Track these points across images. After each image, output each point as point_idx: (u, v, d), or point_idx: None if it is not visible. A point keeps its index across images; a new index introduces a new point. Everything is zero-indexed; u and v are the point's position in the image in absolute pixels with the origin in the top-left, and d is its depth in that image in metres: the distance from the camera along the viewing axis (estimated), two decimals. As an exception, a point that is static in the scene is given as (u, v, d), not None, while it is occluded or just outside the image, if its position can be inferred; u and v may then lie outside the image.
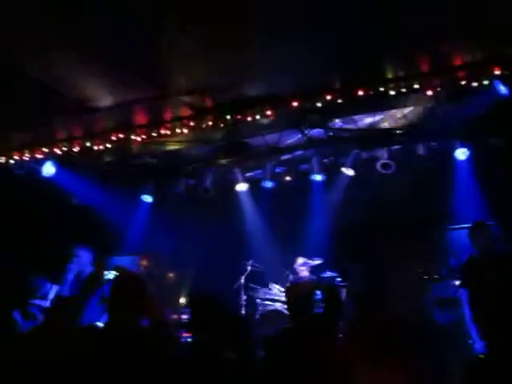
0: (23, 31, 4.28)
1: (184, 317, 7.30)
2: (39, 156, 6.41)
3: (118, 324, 2.99)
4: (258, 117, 5.33)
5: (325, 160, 7.76)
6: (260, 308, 7.36)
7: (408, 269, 7.03)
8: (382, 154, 7.16)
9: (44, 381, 3.07)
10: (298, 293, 3.96)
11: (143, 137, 5.82)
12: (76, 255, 5.90)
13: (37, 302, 6.37)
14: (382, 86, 4.81)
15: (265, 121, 5.84)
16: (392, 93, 4.87)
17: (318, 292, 3.99)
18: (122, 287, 3.10)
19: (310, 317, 3.83)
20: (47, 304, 6.26)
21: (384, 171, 7.15)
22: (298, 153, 7.77)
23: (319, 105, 5.05)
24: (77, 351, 2.93)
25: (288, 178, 7.97)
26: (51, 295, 6.40)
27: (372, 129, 6.92)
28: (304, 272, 7.50)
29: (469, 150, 6.82)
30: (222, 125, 5.56)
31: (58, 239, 7.31)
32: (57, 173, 7.08)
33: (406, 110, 6.59)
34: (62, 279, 6.04)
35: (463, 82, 4.68)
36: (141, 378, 2.88)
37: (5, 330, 5.97)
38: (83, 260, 5.90)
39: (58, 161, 6.91)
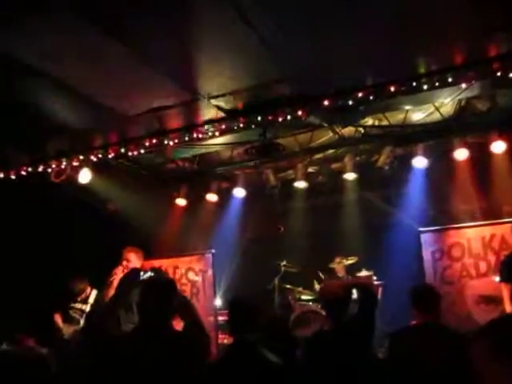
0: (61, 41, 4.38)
1: (220, 318, 7.33)
2: (76, 163, 6.54)
3: (149, 326, 3.00)
4: (289, 117, 5.31)
5: (357, 158, 7.70)
6: (295, 309, 7.34)
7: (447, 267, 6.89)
8: (417, 150, 7.06)
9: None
10: (332, 293, 3.94)
11: (176, 141, 5.88)
12: (126, 259, 5.95)
13: (77, 305, 6.52)
14: (414, 81, 4.73)
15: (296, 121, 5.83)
16: (425, 87, 4.78)
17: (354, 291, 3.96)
18: (150, 289, 3.13)
19: (347, 317, 3.80)
20: (88, 308, 6.39)
21: (419, 167, 7.05)
22: (330, 151, 7.74)
23: (351, 102, 4.99)
24: (111, 355, 2.96)
25: (320, 178, 7.95)
26: (91, 299, 6.53)
27: (404, 125, 6.82)
28: (340, 271, 7.45)
29: (505, 142, 6.65)
30: (253, 126, 5.57)
31: (97, 245, 7.45)
32: (93, 179, 7.23)
33: (439, 104, 6.47)
34: (106, 284, 6.15)
35: (499, 74, 4.55)
36: (168, 379, 2.90)
37: (46, 333, 6.14)
38: (132, 264, 5.94)
39: (94, 167, 7.06)
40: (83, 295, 6.74)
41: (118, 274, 5.84)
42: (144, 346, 2.91)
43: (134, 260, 5.97)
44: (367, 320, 3.72)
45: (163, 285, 3.17)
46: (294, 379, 3.62)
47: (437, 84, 4.74)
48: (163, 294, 3.10)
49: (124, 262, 5.96)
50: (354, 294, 3.88)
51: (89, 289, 6.79)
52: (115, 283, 5.79)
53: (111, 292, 5.68)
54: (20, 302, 6.79)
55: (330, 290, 4.07)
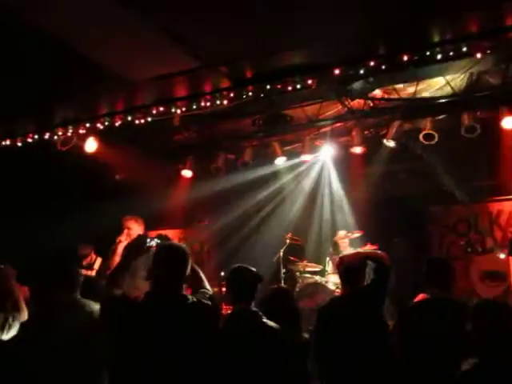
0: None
1: (224, 289, 7.36)
2: (82, 131, 6.50)
3: (161, 291, 2.99)
4: (298, 86, 5.23)
5: (365, 132, 7.61)
6: (300, 281, 7.37)
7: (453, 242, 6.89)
8: (425, 125, 6.96)
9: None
10: (350, 263, 3.98)
11: (183, 109, 5.82)
12: (127, 227, 5.98)
13: (83, 271, 6.54)
14: (428, 50, 4.62)
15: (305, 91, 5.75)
16: (439, 57, 4.68)
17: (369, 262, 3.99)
18: (165, 256, 3.10)
19: (362, 286, 3.86)
20: (93, 274, 6.42)
21: (427, 142, 6.97)
22: (338, 125, 7.66)
23: (362, 72, 4.90)
24: (120, 318, 2.96)
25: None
26: (96, 266, 6.57)
27: (414, 98, 6.72)
28: (344, 245, 7.44)
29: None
30: (261, 95, 5.50)
31: (103, 214, 7.46)
32: (99, 148, 7.20)
33: (450, 77, 6.37)
34: (110, 252, 6.18)
35: (515, 44, 4.46)
36: (184, 345, 2.90)
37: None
38: (134, 232, 5.97)
39: (101, 136, 7.02)
40: (89, 260, 6.78)
41: (122, 241, 5.88)
42: (157, 311, 2.91)
43: (135, 228, 6.02)
44: (379, 289, 3.79)
45: (178, 251, 3.14)
46: (300, 347, 3.66)
47: (451, 54, 4.64)
48: (178, 259, 3.07)
49: (125, 231, 6.00)
50: (369, 264, 3.95)
51: (94, 255, 6.82)
52: (119, 251, 5.84)
53: (115, 259, 5.72)
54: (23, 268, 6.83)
55: (348, 259, 4.10)
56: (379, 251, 6.57)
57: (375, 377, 3.44)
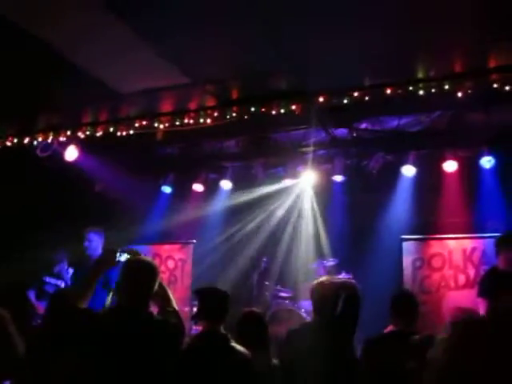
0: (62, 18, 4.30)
1: (195, 309, 7.27)
2: (63, 139, 6.44)
3: (127, 307, 2.94)
4: (282, 110, 5.27)
5: (347, 161, 7.68)
6: (272, 305, 7.31)
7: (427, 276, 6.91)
8: (407, 157, 7.05)
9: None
10: (325, 291, 3.94)
11: (166, 125, 5.82)
12: (87, 239, 5.94)
13: (52, 280, 6.42)
14: (411, 86, 4.71)
15: (290, 116, 5.81)
16: (421, 93, 4.77)
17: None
18: (134, 269, 3.05)
19: (332, 315, 3.82)
20: (62, 284, 6.30)
21: (407, 175, 7.05)
22: (321, 152, 7.72)
23: (346, 101, 4.97)
24: (84, 332, 2.89)
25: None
26: (67, 275, 6.45)
27: (398, 131, 6.82)
28: (319, 272, 7.42)
29: (495, 158, 6.67)
30: (246, 117, 5.52)
31: (78, 223, 7.35)
32: (80, 158, 7.13)
33: (434, 115, 6.48)
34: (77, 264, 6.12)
35: (495, 85, 4.56)
36: (144, 360, 2.83)
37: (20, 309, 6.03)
38: (93, 244, 5.94)
39: (82, 146, 6.95)
40: (60, 270, 6.66)
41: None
42: (120, 326, 2.85)
43: (94, 239, 5.99)
44: (351, 319, 3.75)
45: (146, 266, 3.10)
46: (264, 372, 3.61)
47: (433, 90, 4.72)
48: (145, 274, 3.02)
49: (86, 243, 5.96)
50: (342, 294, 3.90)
51: (66, 265, 6.71)
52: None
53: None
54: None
55: (321, 288, 4.06)
56: (352, 281, 6.59)
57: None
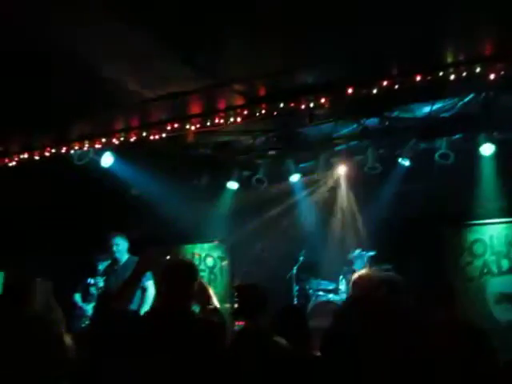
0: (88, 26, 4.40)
1: (236, 306, 7.34)
2: (98, 146, 6.60)
3: (167, 308, 3.00)
4: (311, 104, 5.25)
5: (380, 151, 7.59)
6: (313, 299, 7.31)
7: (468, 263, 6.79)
8: (441, 144, 6.92)
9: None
10: (364, 285, 3.93)
11: (197, 126, 5.88)
12: (114, 243, 6.14)
13: (94, 281, 6.63)
14: (441, 71, 4.62)
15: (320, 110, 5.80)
16: (452, 78, 4.67)
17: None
18: (172, 271, 3.12)
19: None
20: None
21: (443, 162, 6.92)
22: (353, 143, 7.66)
23: (375, 91, 4.91)
24: (125, 335, 2.97)
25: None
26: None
27: (430, 118, 6.70)
28: (358, 264, 7.39)
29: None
30: (275, 113, 5.53)
31: (117, 226, 7.53)
32: (116, 164, 7.30)
33: (467, 99, 6.34)
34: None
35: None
36: (188, 361, 2.89)
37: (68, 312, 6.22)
38: (120, 248, 6.15)
39: (117, 152, 7.11)
40: (104, 268, 6.87)
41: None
42: (161, 327, 2.92)
43: (121, 243, 6.19)
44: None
45: (185, 267, 3.16)
46: (306, 366, 3.62)
47: (464, 74, 4.62)
48: (184, 276, 3.09)
49: (114, 247, 6.16)
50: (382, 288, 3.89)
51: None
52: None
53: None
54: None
55: (361, 281, 4.05)
56: (393, 273, 6.54)
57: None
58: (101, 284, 6.71)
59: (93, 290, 6.76)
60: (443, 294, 3.87)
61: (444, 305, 3.84)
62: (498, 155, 6.62)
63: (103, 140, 6.41)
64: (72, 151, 6.66)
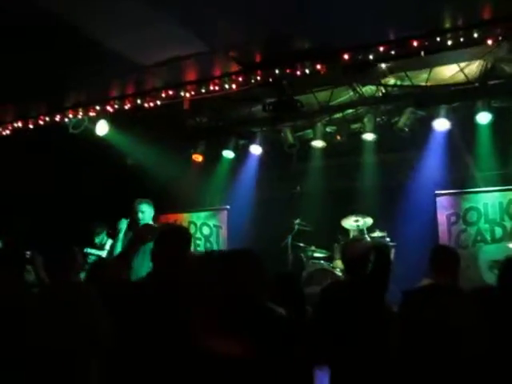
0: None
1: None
2: (92, 114, 6.55)
3: (161, 273, 3.02)
4: (307, 71, 5.19)
5: (377, 119, 7.55)
6: (307, 266, 7.38)
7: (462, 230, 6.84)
8: (438, 112, 6.88)
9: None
10: (355, 252, 3.97)
11: (192, 93, 5.83)
12: (140, 210, 5.96)
13: (93, 251, 6.63)
14: (438, 36, 4.55)
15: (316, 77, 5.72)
16: (449, 43, 4.61)
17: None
18: (165, 236, 3.14)
19: (364, 274, 3.85)
20: (104, 255, 6.50)
21: (439, 130, 6.90)
22: (350, 111, 7.61)
23: (371, 57, 4.85)
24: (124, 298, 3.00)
25: (339, 138, 7.83)
26: (107, 247, 6.65)
27: (427, 85, 6.63)
28: (353, 231, 7.44)
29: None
30: (270, 80, 5.47)
31: (113, 197, 7.55)
32: (111, 133, 7.26)
33: (464, 65, 6.28)
34: (121, 235, 6.23)
35: (527, 31, 4.36)
36: (181, 326, 2.92)
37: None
38: (146, 215, 5.96)
39: (113, 121, 7.07)
40: (100, 240, 6.87)
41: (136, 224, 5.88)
42: (154, 293, 2.94)
43: (147, 211, 6.02)
44: (381, 278, 3.78)
45: (176, 233, 3.18)
46: (301, 331, 3.68)
47: (462, 40, 4.56)
48: (176, 241, 3.11)
49: (139, 214, 6.00)
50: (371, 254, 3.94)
51: (105, 236, 6.91)
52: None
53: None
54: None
55: (353, 248, 4.10)
56: (382, 240, 6.59)
57: (374, 360, 3.46)
58: (98, 254, 6.72)
59: (90, 259, 6.78)
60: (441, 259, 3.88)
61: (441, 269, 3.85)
62: (495, 123, 6.59)
63: (97, 108, 6.35)
64: (66, 119, 6.61)
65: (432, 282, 3.86)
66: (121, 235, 5.65)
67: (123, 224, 5.87)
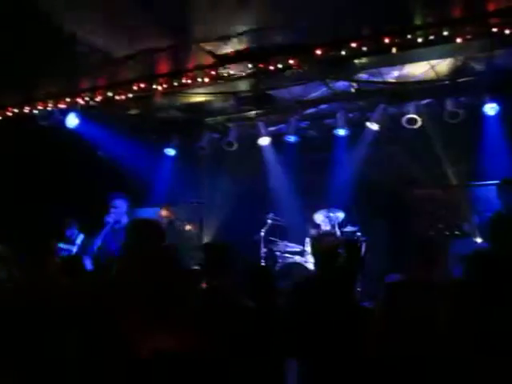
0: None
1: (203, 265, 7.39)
2: (62, 106, 6.44)
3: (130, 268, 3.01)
4: (280, 66, 5.20)
5: (350, 114, 7.62)
6: (280, 261, 7.42)
7: (431, 225, 6.97)
8: (409, 109, 6.99)
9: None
10: (325, 246, 4.00)
11: (165, 86, 5.77)
12: (113, 205, 5.85)
13: (64, 246, 6.54)
14: (409, 33, 4.61)
15: (289, 72, 5.73)
16: (419, 40, 4.67)
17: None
18: (136, 230, 3.13)
19: (334, 269, 3.89)
20: (74, 249, 6.41)
21: (410, 126, 7.00)
22: (323, 107, 7.66)
23: (344, 53, 4.88)
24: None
25: (312, 133, 7.89)
26: (78, 241, 6.57)
27: (399, 82, 6.72)
28: (325, 226, 7.50)
29: (498, 105, 6.60)
30: (243, 74, 5.46)
31: (85, 190, 7.43)
32: (82, 125, 7.14)
33: (435, 62, 6.37)
34: (96, 231, 6.13)
35: (495, 30, 4.45)
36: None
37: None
38: (120, 210, 5.85)
39: (83, 113, 6.95)
40: (70, 235, 6.78)
41: (111, 220, 5.79)
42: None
43: (121, 205, 5.92)
44: (350, 272, 3.83)
45: (141, 224, 3.17)
46: (271, 323, 3.70)
47: (432, 37, 4.62)
48: (142, 232, 3.10)
49: (112, 209, 5.91)
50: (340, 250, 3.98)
51: (76, 230, 6.82)
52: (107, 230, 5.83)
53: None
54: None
55: (322, 243, 4.13)
56: (352, 236, 6.65)
57: (342, 354, 3.50)
58: (68, 248, 6.62)
59: (61, 254, 6.68)
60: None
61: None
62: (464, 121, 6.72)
63: (67, 100, 6.24)
64: (35, 111, 6.48)
65: (414, 276, 3.90)
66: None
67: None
